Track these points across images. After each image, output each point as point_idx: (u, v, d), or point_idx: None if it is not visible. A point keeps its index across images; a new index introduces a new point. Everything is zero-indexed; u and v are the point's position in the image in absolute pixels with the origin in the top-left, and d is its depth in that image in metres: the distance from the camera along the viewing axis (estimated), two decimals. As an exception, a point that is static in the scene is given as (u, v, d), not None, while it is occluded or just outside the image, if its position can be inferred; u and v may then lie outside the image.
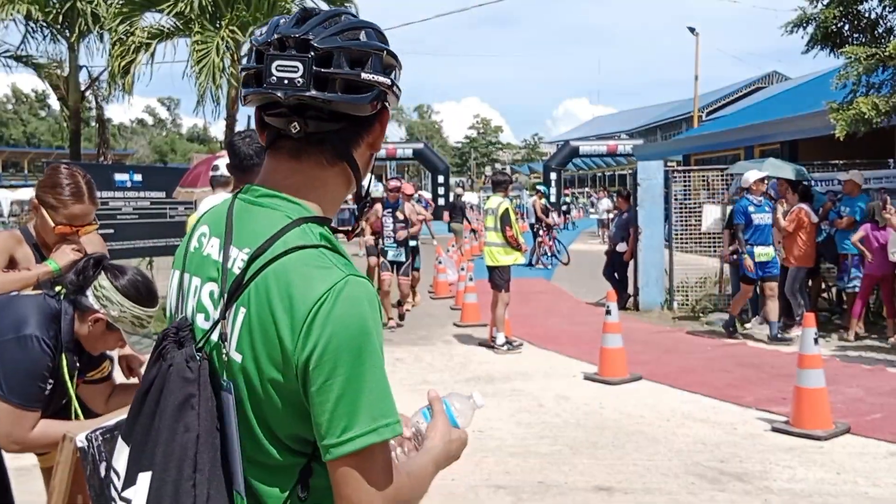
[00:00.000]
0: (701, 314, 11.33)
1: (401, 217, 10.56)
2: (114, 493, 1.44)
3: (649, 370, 7.89)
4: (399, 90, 1.42)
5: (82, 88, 14.99)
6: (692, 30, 32.15)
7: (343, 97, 1.31)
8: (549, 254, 19.56)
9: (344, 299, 1.24)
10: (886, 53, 9.20)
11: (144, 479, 1.30)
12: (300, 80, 1.28)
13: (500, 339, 9.11)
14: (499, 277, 9.11)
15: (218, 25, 12.01)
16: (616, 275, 12.67)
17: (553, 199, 38.84)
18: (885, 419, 6.17)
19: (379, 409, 1.24)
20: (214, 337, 1.32)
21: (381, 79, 1.35)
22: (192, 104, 12.48)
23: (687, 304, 11.92)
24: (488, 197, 10.11)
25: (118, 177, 9.02)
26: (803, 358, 5.91)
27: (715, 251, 12.00)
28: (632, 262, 12.33)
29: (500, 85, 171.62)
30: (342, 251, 1.33)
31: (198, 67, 11.40)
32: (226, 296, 1.30)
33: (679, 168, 17.47)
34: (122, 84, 12.18)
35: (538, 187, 23.14)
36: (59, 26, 14.18)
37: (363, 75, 1.32)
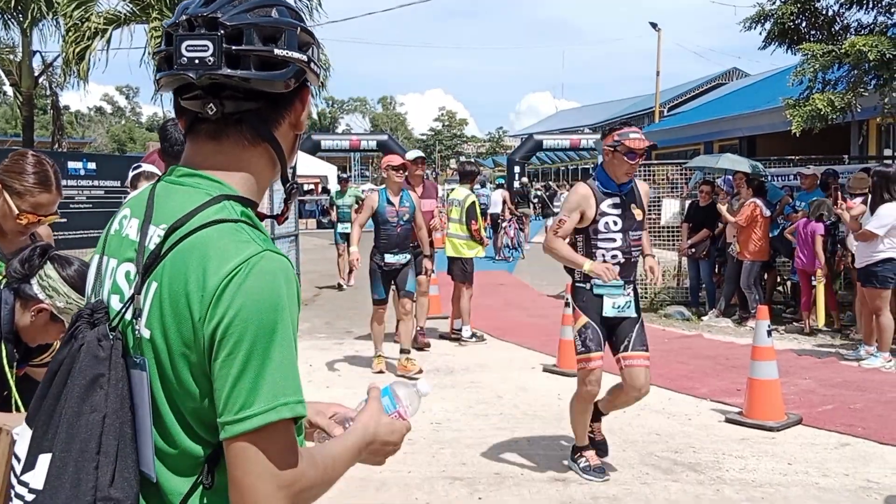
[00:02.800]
0: (659, 307, 11.45)
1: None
2: (13, 479, 1.37)
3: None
4: (318, 68, 1.40)
5: (35, 74, 14.67)
6: (654, 25, 32.41)
7: (257, 74, 1.28)
8: (510, 246, 19.64)
9: (258, 273, 1.21)
10: (842, 51, 9.35)
11: (44, 460, 1.24)
12: (211, 58, 1.25)
13: (467, 331, 9.11)
14: (461, 270, 9.10)
15: (177, 12, 11.81)
16: (576, 267, 12.71)
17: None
18: (835, 410, 6.28)
19: (281, 387, 1.19)
20: (129, 315, 1.28)
21: (297, 55, 1.33)
22: (152, 92, 12.28)
23: (646, 297, 12.02)
24: (452, 189, 10.01)
25: (71, 165, 8.85)
26: (756, 350, 5.99)
27: (673, 245, 12.12)
28: (592, 255, 12.38)
29: (463, 77, 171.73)
30: (262, 229, 1.31)
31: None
32: (141, 271, 1.27)
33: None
34: (77, 70, 11.94)
35: (498, 181, 23.68)
36: (12, 11, 13.85)
37: (276, 51, 1.30)
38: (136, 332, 1.27)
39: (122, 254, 1.35)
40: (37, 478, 1.25)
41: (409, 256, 7.55)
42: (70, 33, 11.66)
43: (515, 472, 5.03)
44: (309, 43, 1.37)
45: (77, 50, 11.50)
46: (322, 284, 14.19)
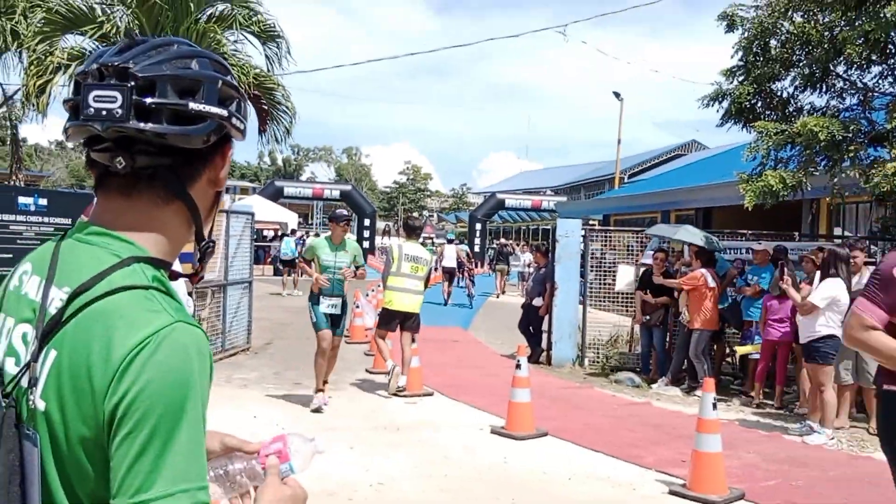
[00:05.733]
0: (610, 372, 11.48)
1: None
2: None
3: (556, 426, 7.90)
4: (242, 123, 1.34)
5: (-4, 106, 14.49)
6: (617, 95, 33.22)
7: (172, 129, 1.22)
8: (470, 295, 22.09)
9: (168, 346, 1.14)
10: (795, 130, 9.64)
11: None
12: (119, 110, 1.19)
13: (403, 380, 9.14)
14: (417, 323, 9.32)
15: (144, 52, 11.75)
16: (531, 328, 12.76)
17: (477, 248, 39.39)
18: (778, 487, 6.29)
19: (184, 471, 1.11)
20: (25, 382, 1.19)
21: (215, 110, 1.27)
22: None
23: (598, 362, 12.06)
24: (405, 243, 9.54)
25: (22, 200, 8.65)
26: (702, 422, 6.00)
27: (628, 310, 12.21)
28: (547, 317, 12.44)
29: (429, 133, 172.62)
30: (176, 296, 1.24)
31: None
32: (39, 337, 1.19)
33: (597, 227, 17.89)
34: (37, 104, 11.79)
35: (448, 236, 26.06)
36: (-24, 42, 13.72)
37: (192, 105, 1.24)
38: (31, 403, 1.18)
39: (20, 313, 1.27)
40: None
41: None
42: (32, 66, 11.54)
43: (456, 537, 4.94)
44: (232, 97, 1.31)
45: (38, 83, 11.37)
46: (274, 333, 13.98)
